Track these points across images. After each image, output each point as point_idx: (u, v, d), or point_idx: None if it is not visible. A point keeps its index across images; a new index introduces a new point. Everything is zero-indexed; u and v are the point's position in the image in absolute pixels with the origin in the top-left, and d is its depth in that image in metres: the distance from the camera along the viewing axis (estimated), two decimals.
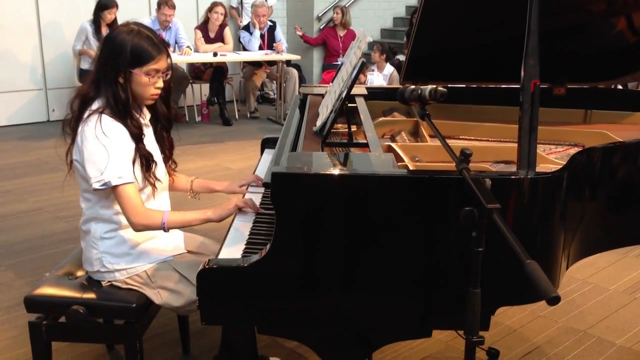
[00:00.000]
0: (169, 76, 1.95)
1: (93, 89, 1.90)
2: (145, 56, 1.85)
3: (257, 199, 2.14)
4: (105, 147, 1.82)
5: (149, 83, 1.88)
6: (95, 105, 1.88)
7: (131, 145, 1.90)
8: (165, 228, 1.88)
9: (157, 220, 1.87)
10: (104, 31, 5.94)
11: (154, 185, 1.97)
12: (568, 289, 3.11)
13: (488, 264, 1.37)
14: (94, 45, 5.95)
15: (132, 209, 1.84)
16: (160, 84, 1.92)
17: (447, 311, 1.63)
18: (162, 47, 1.90)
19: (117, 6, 6.02)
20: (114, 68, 1.85)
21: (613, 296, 3.09)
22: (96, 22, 6.05)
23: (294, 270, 1.58)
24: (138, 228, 1.88)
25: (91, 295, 1.98)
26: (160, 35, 1.78)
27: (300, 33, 7.88)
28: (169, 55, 1.92)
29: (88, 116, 1.86)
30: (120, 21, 5.80)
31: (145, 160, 1.92)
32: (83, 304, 1.95)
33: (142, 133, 1.93)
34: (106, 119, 1.85)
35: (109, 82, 1.86)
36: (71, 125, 1.93)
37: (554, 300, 1.08)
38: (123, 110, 1.87)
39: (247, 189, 2.24)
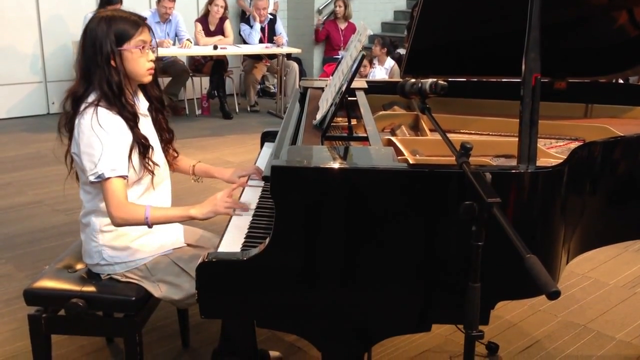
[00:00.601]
0: (156, 52, 1.96)
1: (83, 84, 1.90)
2: (128, 31, 1.87)
3: (256, 192, 2.13)
4: (100, 139, 1.82)
5: (142, 55, 1.90)
6: (91, 98, 1.88)
7: (128, 137, 1.89)
8: (148, 223, 1.85)
9: (139, 214, 1.84)
10: None
11: (152, 172, 1.96)
12: (568, 284, 3.11)
13: (488, 258, 1.36)
14: None
15: (114, 203, 1.83)
16: (152, 56, 1.93)
17: (447, 305, 1.62)
18: (141, 20, 1.92)
19: (121, 3, 6.00)
20: (103, 54, 1.85)
21: (613, 291, 3.09)
22: None
23: (293, 264, 1.57)
24: (117, 222, 1.86)
25: (91, 288, 1.98)
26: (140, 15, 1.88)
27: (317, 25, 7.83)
28: (150, 28, 1.94)
29: (84, 109, 1.86)
30: None
31: (142, 146, 1.92)
32: (82, 297, 1.95)
33: (137, 116, 1.93)
34: (102, 111, 1.85)
35: (101, 69, 1.85)
36: (66, 125, 1.92)
37: (554, 295, 1.07)
38: (118, 93, 1.87)
39: (247, 180, 2.23)
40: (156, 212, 1.87)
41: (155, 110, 2.06)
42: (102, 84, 1.86)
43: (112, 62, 1.86)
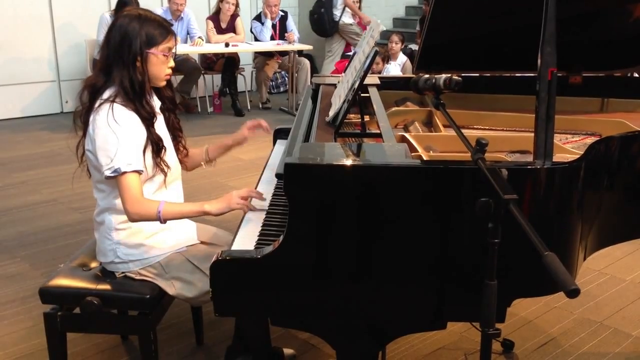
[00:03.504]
0: (174, 57, 2.01)
1: (102, 77, 1.92)
2: (158, 36, 1.90)
3: (269, 188, 2.13)
4: (116, 134, 1.83)
5: (165, 62, 1.94)
6: (107, 94, 1.89)
7: (142, 133, 1.91)
8: (160, 219, 1.86)
9: (153, 210, 1.85)
10: None
11: (164, 172, 1.97)
12: (584, 280, 3.08)
13: (504, 256, 1.35)
14: None
15: (130, 198, 1.84)
16: (172, 63, 1.99)
17: (463, 303, 1.61)
18: (169, 26, 1.97)
19: (137, 6, 6.03)
20: (130, 52, 1.87)
21: (629, 287, 3.05)
22: None
23: (307, 261, 1.57)
24: (133, 217, 1.87)
25: (105, 287, 1.99)
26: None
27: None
28: (175, 35, 1.98)
29: (99, 105, 1.88)
30: None
31: (155, 145, 1.94)
32: (97, 295, 1.96)
33: (154, 115, 1.95)
34: (118, 107, 1.87)
35: (125, 66, 1.88)
36: (82, 117, 1.94)
37: (573, 293, 1.06)
38: (140, 93, 1.90)
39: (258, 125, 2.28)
40: (169, 207, 1.88)
41: (168, 110, 2.08)
42: (124, 81, 1.88)
43: (137, 63, 1.88)
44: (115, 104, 1.87)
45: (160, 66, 1.93)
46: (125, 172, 1.83)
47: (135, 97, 1.89)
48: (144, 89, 1.91)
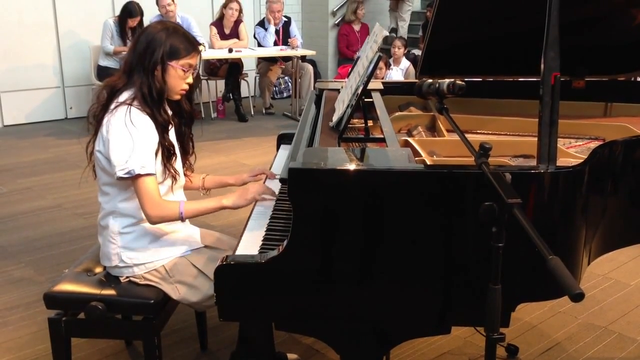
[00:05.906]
0: (195, 74, 2.02)
1: (124, 79, 1.95)
2: (182, 50, 1.93)
3: (277, 185, 2.13)
4: (132, 136, 1.85)
5: (183, 77, 1.96)
6: (124, 97, 1.91)
7: (155, 139, 1.92)
8: (182, 217, 1.91)
9: (174, 210, 1.89)
10: (129, 33, 6.13)
11: (175, 178, 1.98)
12: (588, 285, 3.07)
13: (509, 260, 1.35)
14: (118, 44, 6.17)
15: (149, 201, 1.86)
16: (190, 79, 2.00)
17: (467, 307, 1.61)
18: (196, 44, 1.98)
19: (141, 15, 6.09)
20: (152, 59, 1.90)
21: (634, 292, 3.04)
22: (121, 24, 6.13)
23: (311, 266, 1.57)
24: (154, 220, 1.90)
25: (110, 292, 1.99)
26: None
27: None
28: (200, 53, 2.00)
29: (115, 107, 1.90)
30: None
31: (167, 151, 1.95)
32: (102, 300, 1.96)
33: (170, 122, 1.98)
34: (134, 110, 1.89)
35: (146, 72, 1.90)
36: (97, 115, 1.95)
37: (578, 297, 1.06)
38: (158, 100, 1.92)
39: (264, 181, 2.24)
40: (190, 205, 1.93)
41: (184, 124, 2.10)
42: (142, 87, 1.90)
43: (156, 72, 1.90)
44: (132, 107, 1.89)
45: (177, 80, 1.95)
46: (140, 175, 1.84)
47: (152, 104, 1.91)
48: (162, 97, 1.94)
